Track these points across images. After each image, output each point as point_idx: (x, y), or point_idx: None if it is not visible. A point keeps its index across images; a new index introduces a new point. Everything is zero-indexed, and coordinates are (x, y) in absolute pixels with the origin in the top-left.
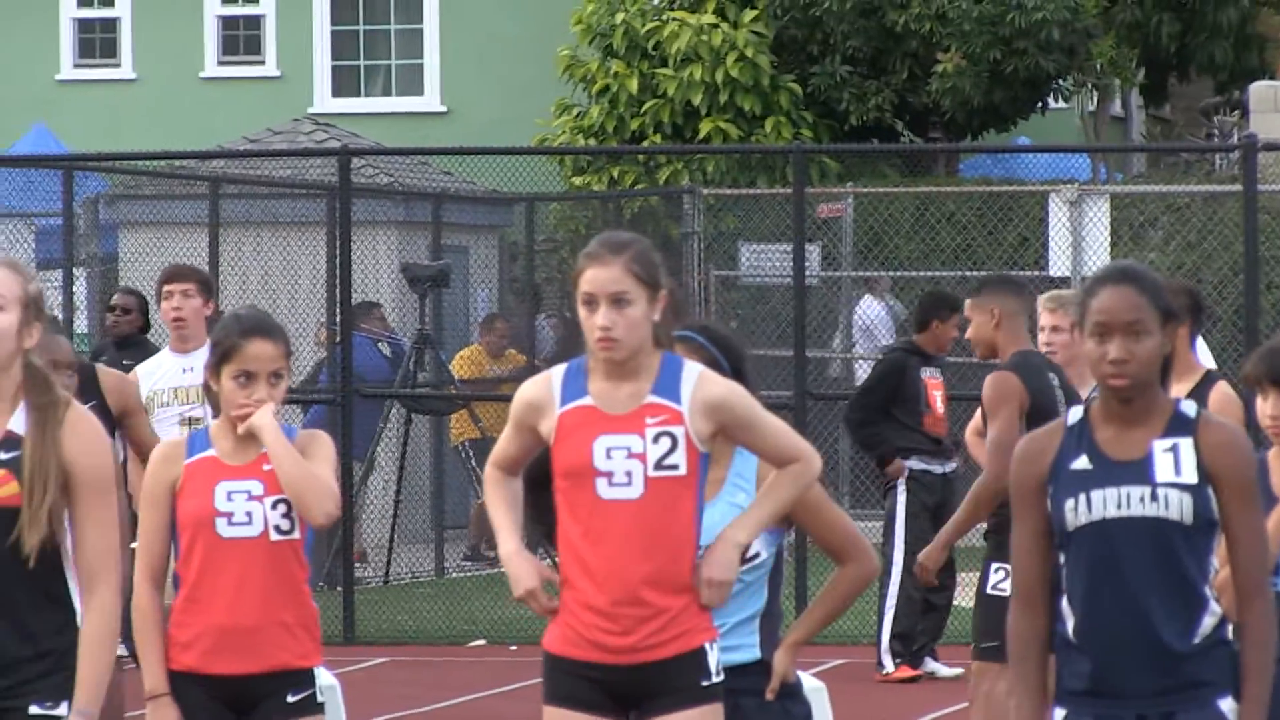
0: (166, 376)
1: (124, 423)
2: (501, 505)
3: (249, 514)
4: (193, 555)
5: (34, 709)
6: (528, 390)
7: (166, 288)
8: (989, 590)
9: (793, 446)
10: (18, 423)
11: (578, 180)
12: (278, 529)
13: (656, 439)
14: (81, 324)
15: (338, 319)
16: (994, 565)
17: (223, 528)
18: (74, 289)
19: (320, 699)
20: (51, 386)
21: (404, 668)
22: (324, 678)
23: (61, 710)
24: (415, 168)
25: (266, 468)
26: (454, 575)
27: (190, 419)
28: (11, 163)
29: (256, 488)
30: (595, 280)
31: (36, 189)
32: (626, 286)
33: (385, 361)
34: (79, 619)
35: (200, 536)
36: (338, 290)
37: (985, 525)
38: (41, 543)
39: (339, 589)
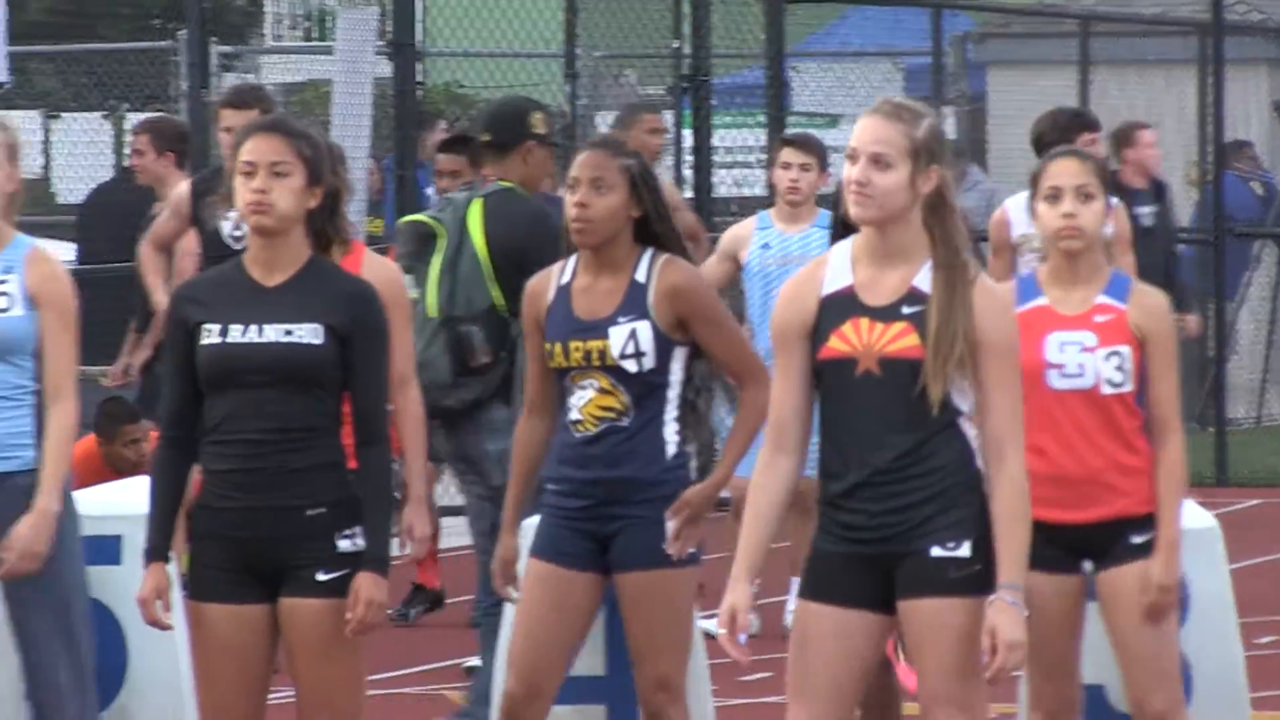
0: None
1: None
2: None
3: (1081, 366)
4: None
5: (935, 551)
6: None
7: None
8: None
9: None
10: (923, 280)
11: None
12: (1109, 382)
13: None
14: None
15: (1209, 158)
16: None
17: (1055, 380)
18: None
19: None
20: (960, 248)
21: (1278, 510)
22: (1202, 519)
23: (964, 551)
24: None
25: (1098, 319)
26: None
27: None
28: (882, 1)
29: (1089, 339)
30: None
31: (905, 28)
32: None
33: (1257, 200)
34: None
35: (1032, 389)
36: (1209, 129)
37: None
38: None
39: (1210, 429)
